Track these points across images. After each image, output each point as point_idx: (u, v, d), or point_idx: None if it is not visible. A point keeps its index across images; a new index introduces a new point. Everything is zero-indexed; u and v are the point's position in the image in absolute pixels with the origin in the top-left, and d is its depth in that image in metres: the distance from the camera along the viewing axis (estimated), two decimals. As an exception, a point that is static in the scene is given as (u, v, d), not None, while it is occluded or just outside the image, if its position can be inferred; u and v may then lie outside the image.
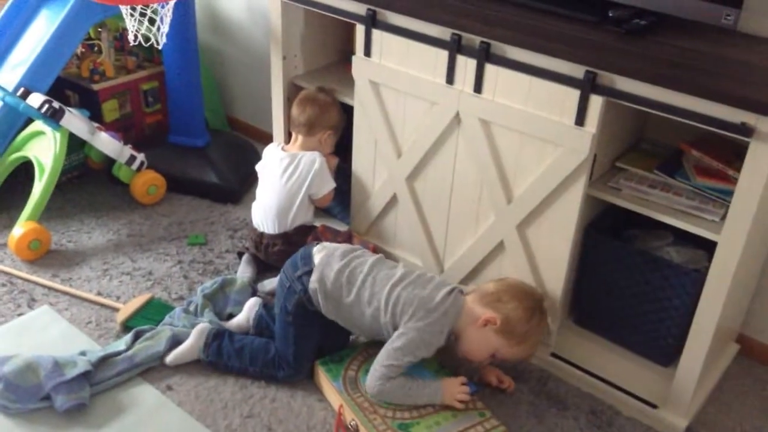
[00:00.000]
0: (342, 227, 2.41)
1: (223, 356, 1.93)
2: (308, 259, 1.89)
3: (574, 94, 1.72)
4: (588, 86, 1.69)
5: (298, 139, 2.32)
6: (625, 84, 1.65)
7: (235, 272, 2.30)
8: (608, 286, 1.94)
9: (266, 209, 2.27)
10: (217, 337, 1.95)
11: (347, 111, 2.28)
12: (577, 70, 1.70)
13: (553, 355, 2.02)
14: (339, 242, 2.29)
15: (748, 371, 2.09)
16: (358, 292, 1.83)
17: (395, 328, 1.81)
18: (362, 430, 1.75)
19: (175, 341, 1.97)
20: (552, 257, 1.91)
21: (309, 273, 1.86)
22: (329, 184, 2.29)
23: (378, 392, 1.78)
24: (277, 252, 2.25)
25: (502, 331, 1.78)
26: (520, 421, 1.86)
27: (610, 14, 1.82)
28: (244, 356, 1.93)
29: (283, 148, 2.34)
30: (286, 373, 1.91)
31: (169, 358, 1.94)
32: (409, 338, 1.76)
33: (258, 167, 2.37)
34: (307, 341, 1.90)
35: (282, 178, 2.25)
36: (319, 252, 1.91)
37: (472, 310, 1.81)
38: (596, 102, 1.70)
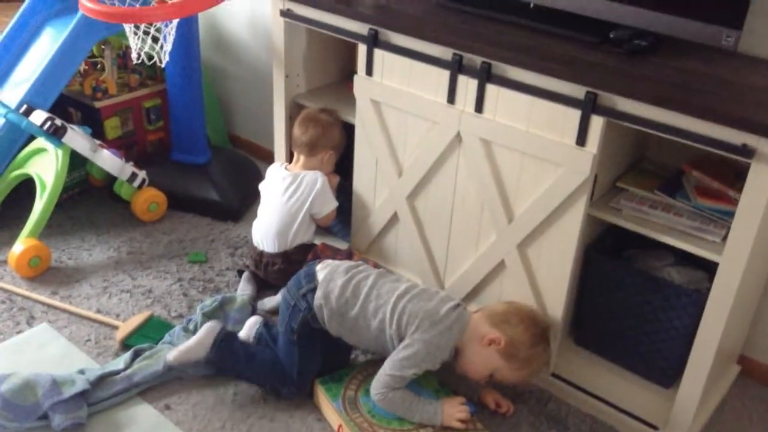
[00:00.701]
0: (342, 245, 2.40)
1: (230, 358, 1.91)
2: (311, 276, 1.90)
3: (575, 115, 1.73)
4: (589, 107, 1.70)
5: (300, 159, 2.33)
6: (626, 105, 1.65)
7: (235, 290, 2.29)
8: (609, 307, 1.94)
9: (267, 228, 2.27)
10: (229, 338, 1.94)
11: (348, 129, 2.28)
12: (578, 91, 1.71)
13: (554, 375, 2.01)
14: (339, 260, 2.29)
15: (749, 393, 2.07)
16: (362, 305, 1.83)
17: (401, 340, 1.80)
18: (361, 451, 1.74)
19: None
20: (553, 277, 1.91)
21: (313, 290, 1.86)
22: (331, 204, 2.29)
23: (380, 400, 1.78)
24: (277, 271, 2.25)
25: (505, 353, 1.79)
26: (520, 442, 1.85)
27: (611, 35, 1.83)
28: (254, 364, 1.92)
29: (285, 168, 2.34)
30: (290, 391, 1.90)
31: (172, 355, 1.90)
32: (415, 350, 1.76)
33: (261, 186, 2.38)
34: (311, 360, 1.90)
35: (283, 196, 2.26)
36: (322, 269, 1.91)
37: (478, 328, 1.81)
38: (597, 122, 1.70)
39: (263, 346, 1.99)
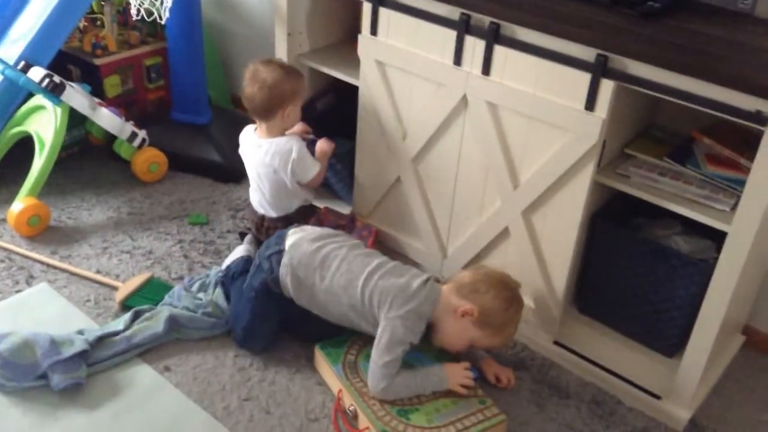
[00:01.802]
0: (345, 209, 2.38)
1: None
2: (281, 239, 1.89)
3: (585, 78, 1.68)
4: (599, 70, 1.65)
5: (262, 124, 2.17)
6: (638, 68, 1.61)
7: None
8: (614, 275, 1.92)
9: (262, 194, 2.23)
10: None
11: (352, 91, 2.23)
12: (588, 53, 1.66)
13: (556, 343, 2.00)
14: (341, 225, 2.26)
15: (753, 363, 2.06)
16: (332, 278, 1.81)
17: (374, 317, 1.78)
18: (361, 416, 1.73)
19: (174, 322, 1.95)
20: (557, 244, 1.88)
21: (278, 253, 1.85)
22: (313, 168, 2.18)
23: (385, 394, 1.74)
24: None
25: (479, 322, 1.76)
26: (520, 409, 1.84)
27: (624, -4, 1.77)
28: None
29: (257, 132, 2.23)
30: (237, 342, 1.94)
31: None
32: (394, 328, 1.73)
33: (240, 152, 2.28)
34: (260, 323, 1.90)
35: (267, 167, 2.16)
36: (293, 234, 1.90)
37: (449, 300, 1.78)
38: (607, 86, 1.66)
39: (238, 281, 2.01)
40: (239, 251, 2.18)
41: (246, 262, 2.07)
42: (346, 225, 2.28)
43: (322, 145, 2.23)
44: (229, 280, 2.04)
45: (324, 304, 1.84)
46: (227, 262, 2.16)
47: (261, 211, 2.25)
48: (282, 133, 2.18)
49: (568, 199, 1.81)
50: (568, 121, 1.74)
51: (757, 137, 1.50)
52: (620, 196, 1.85)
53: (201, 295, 2.05)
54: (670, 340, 1.89)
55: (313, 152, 2.20)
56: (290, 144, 2.14)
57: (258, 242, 2.28)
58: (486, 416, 1.74)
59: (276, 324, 1.93)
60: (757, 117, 1.48)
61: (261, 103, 2.11)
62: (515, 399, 1.87)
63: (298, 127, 2.27)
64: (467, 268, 1.94)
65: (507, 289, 1.80)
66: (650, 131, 1.97)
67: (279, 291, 1.87)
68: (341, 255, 1.84)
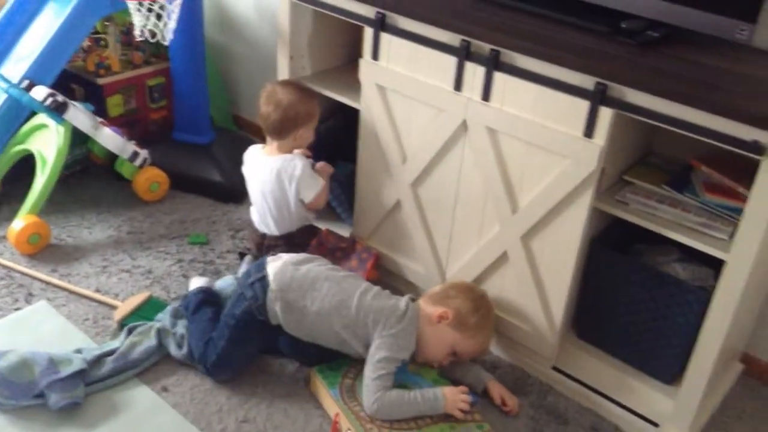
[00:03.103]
0: (346, 231, 2.38)
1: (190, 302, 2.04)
2: (261, 267, 1.91)
3: (584, 106, 1.70)
4: (598, 98, 1.67)
5: (273, 143, 2.20)
6: (636, 97, 1.62)
7: (236, 273, 2.27)
8: (612, 301, 1.92)
9: (264, 213, 2.24)
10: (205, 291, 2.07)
11: (353, 114, 2.25)
12: (588, 81, 1.67)
13: (555, 368, 1.99)
14: (342, 248, 2.27)
15: (751, 391, 2.06)
16: (323, 299, 1.84)
17: (367, 338, 1.83)
18: (358, 440, 1.73)
19: (163, 334, 1.97)
20: (556, 269, 1.89)
21: (261, 279, 1.87)
22: (316, 186, 2.18)
23: (378, 408, 1.75)
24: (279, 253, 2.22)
25: (455, 324, 1.85)
26: (518, 435, 1.84)
27: (623, 25, 1.79)
28: (196, 317, 1.98)
29: (263, 150, 2.25)
30: (201, 367, 1.92)
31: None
32: (388, 345, 1.79)
33: (243, 170, 2.30)
34: (236, 351, 1.89)
35: (273, 184, 2.17)
36: (273, 261, 1.92)
37: (425, 311, 1.88)
38: (606, 114, 1.67)
39: (213, 310, 2.01)
40: (197, 282, 2.16)
41: (204, 293, 2.06)
42: (347, 247, 2.29)
43: (320, 168, 2.24)
44: (185, 311, 2.03)
45: (313, 327, 1.85)
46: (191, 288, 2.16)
47: (263, 229, 2.26)
48: (285, 152, 2.19)
49: (566, 225, 1.82)
50: (567, 148, 1.75)
51: (755, 166, 1.51)
52: (619, 222, 1.86)
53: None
54: (669, 368, 1.89)
55: None
56: (295, 161, 2.15)
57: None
58: (483, 441, 1.73)
59: (250, 354, 1.94)
60: (754, 147, 1.49)
61: (275, 123, 2.15)
62: (513, 424, 1.86)
63: (325, 166, 2.28)
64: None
65: (474, 292, 1.94)
66: (648, 158, 1.98)
67: (263, 318, 1.87)
68: (329, 277, 1.88)
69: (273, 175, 2.17)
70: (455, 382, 1.88)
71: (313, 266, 1.91)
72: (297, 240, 2.23)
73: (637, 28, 1.78)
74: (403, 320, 1.82)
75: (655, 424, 1.83)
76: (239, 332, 1.87)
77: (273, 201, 2.20)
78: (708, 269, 1.82)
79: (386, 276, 2.30)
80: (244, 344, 1.90)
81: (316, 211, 2.31)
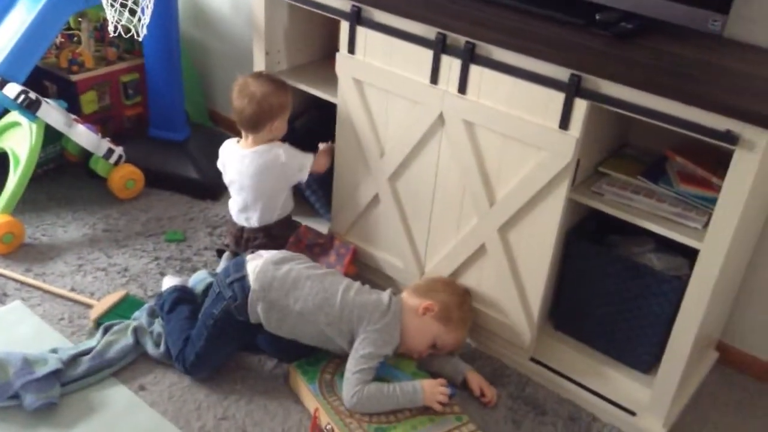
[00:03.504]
0: (324, 227, 2.38)
1: (164, 303, 2.02)
2: (240, 266, 1.88)
3: (559, 98, 1.70)
4: (573, 90, 1.67)
5: (248, 136, 2.18)
6: (611, 88, 1.63)
7: (213, 270, 2.26)
8: (589, 292, 1.93)
9: (242, 206, 2.23)
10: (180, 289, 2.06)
11: (330, 108, 2.24)
12: (562, 73, 1.68)
13: (533, 360, 2.00)
14: (320, 244, 2.27)
15: (726, 379, 2.08)
16: (306, 299, 1.82)
17: (351, 334, 1.82)
18: (338, 434, 1.72)
19: (140, 332, 1.95)
20: (533, 261, 1.90)
21: (240, 279, 1.85)
22: (306, 160, 2.19)
23: (357, 401, 1.75)
24: (258, 246, 2.21)
25: (440, 317, 1.87)
26: (497, 426, 1.84)
27: (597, 17, 1.80)
28: (173, 316, 1.97)
29: (239, 144, 2.23)
30: (180, 366, 1.90)
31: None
32: (373, 340, 1.79)
33: (219, 165, 2.28)
34: (215, 350, 1.88)
35: (250, 177, 2.16)
36: (252, 260, 1.90)
37: (409, 304, 1.90)
38: (581, 106, 1.68)
39: (190, 308, 1.99)
40: (170, 281, 2.13)
41: (178, 291, 2.05)
42: (325, 243, 2.28)
43: (321, 158, 2.26)
44: (160, 310, 2.02)
45: (296, 325, 1.84)
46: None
47: (241, 222, 2.25)
48: (264, 142, 2.18)
49: (543, 217, 1.83)
50: (542, 140, 1.76)
51: (728, 156, 1.53)
52: (595, 213, 1.87)
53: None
54: (645, 357, 1.90)
55: None
56: (274, 150, 2.16)
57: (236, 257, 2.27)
58: (463, 433, 1.74)
59: (229, 352, 1.93)
60: (727, 136, 1.50)
61: (250, 116, 2.13)
62: (492, 416, 1.87)
63: (323, 156, 2.28)
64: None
65: (459, 288, 2.00)
66: (624, 150, 2.00)
67: (243, 318, 1.85)
68: (311, 276, 1.86)
69: (253, 168, 2.16)
70: (434, 375, 1.89)
71: (294, 265, 1.90)
72: (275, 232, 2.23)
73: (611, 20, 1.79)
74: (387, 315, 1.83)
75: (632, 413, 1.85)
76: (218, 331, 1.86)
77: (252, 193, 2.19)
78: (683, 259, 1.84)
79: (364, 270, 2.30)
80: (222, 343, 1.89)
81: (293, 200, 2.30)
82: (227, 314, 1.85)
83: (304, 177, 2.22)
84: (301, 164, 2.20)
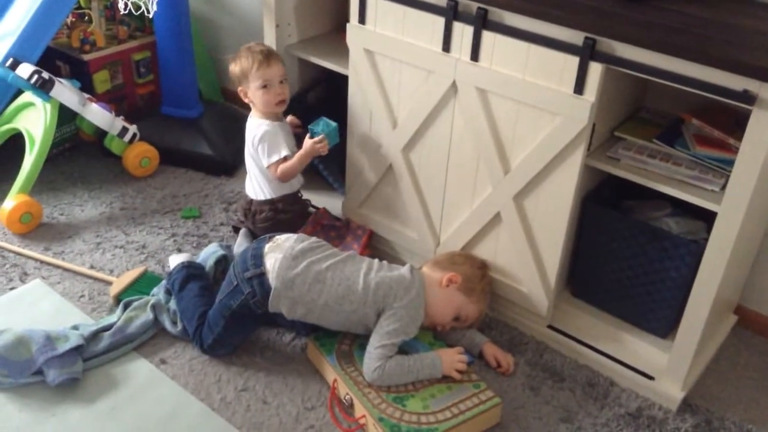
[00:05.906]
0: (338, 201, 2.38)
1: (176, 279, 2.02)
2: (259, 260, 1.85)
3: (573, 62, 1.68)
4: (587, 53, 1.65)
5: None
6: (626, 51, 1.61)
7: (230, 246, 2.27)
8: (606, 258, 1.92)
9: (250, 177, 2.28)
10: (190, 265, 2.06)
11: (342, 80, 2.23)
12: (576, 37, 1.66)
13: (550, 327, 2.01)
14: (337, 227, 2.28)
15: (745, 343, 2.07)
16: (329, 291, 1.81)
17: (378, 314, 1.81)
18: (357, 404, 1.73)
19: (159, 309, 1.97)
20: (549, 228, 1.89)
21: (260, 276, 1.83)
22: (274, 154, 2.15)
23: (378, 376, 1.75)
24: (264, 219, 2.23)
25: (464, 288, 1.89)
26: (515, 393, 1.85)
27: (610, -21, 1.77)
28: (184, 294, 1.98)
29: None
30: (196, 344, 1.91)
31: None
32: (399, 317, 1.79)
33: None
34: (232, 336, 1.90)
35: (247, 149, 2.24)
36: (271, 253, 1.86)
37: (431, 276, 1.91)
38: (595, 69, 1.66)
39: (200, 284, 2.00)
40: (176, 259, 2.14)
41: (187, 268, 2.05)
42: (341, 228, 2.30)
43: (307, 144, 2.15)
44: (171, 289, 2.03)
45: (321, 315, 1.84)
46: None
47: (251, 194, 2.29)
48: (260, 116, 2.20)
49: (558, 183, 1.82)
50: (557, 105, 1.74)
51: (746, 117, 1.51)
52: (611, 178, 1.86)
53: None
54: (663, 321, 1.90)
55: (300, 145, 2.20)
56: (261, 126, 2.17)
57: (251, 234, 2.28)
58: (481, 400, 1.74)
59: (247, 334, 1.95)
60: (744, 96, 1.48)
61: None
62: (510, 383, 1.88)
63: (288, 119, 2.29)
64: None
65: (479, 261, 2.01)
66: (639, 114, 1.97)
67: (262, 311, 1.85)
68: (330, 265, 1.84)
69: (248, 140, 2.22)
70: (451, 347, 1.89)
71: (313, 256, 1.86)
72: (280, 206, 2.24)
73: (624, -18, 1.76)
74: (412, 289, 1.82)
75: (651, 377, 1.85)
76: (236, 321, 1.87)
77: (251, 165, 2.25)
78: (700, 222, 1.83)
79: (380, 243, 2.30)
80: (241, 329, 1.91)
81: (302, 178, 2.30)
82: (246, 307, 1.85)
83: (264, 163, 2.18)
84: (267, 152, 2.15)
